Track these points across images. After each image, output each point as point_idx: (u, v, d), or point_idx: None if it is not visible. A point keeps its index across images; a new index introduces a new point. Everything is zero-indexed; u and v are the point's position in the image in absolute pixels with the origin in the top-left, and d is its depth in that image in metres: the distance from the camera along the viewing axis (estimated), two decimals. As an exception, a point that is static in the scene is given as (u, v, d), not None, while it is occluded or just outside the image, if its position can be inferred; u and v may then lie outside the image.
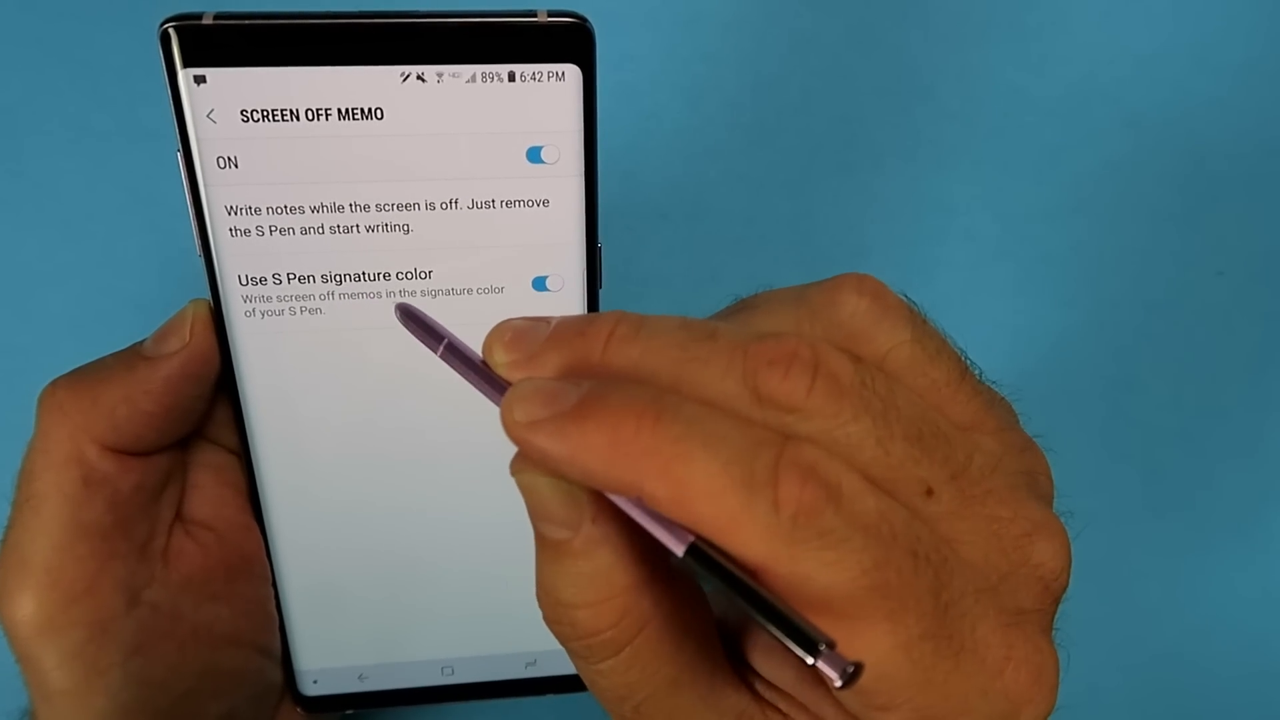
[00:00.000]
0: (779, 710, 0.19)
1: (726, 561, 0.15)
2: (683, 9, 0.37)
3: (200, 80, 0.21)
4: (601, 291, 0.26)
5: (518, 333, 0.18)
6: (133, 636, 0.23)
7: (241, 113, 0.22)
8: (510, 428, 0.16)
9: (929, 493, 0.17)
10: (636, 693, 0.18)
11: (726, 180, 0.37)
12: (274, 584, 0.27)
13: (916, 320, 0.19)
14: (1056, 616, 0.19)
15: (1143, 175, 0.38)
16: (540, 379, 0.17)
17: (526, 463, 0.17)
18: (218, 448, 0.26)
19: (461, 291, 0.24)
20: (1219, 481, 0.37)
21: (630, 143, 0.37)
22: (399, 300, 0.22)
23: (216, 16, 0.21)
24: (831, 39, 0.38)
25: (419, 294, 0.24)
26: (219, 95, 0.22)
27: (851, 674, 0.14)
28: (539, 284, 0.25)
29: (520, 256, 0.24)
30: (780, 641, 0.15)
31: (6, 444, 0.24)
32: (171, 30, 0.21)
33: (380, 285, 0.24)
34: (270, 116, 0.22)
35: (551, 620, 0.18)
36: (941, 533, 0.17)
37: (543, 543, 0.17)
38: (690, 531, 0.16)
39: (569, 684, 0.30)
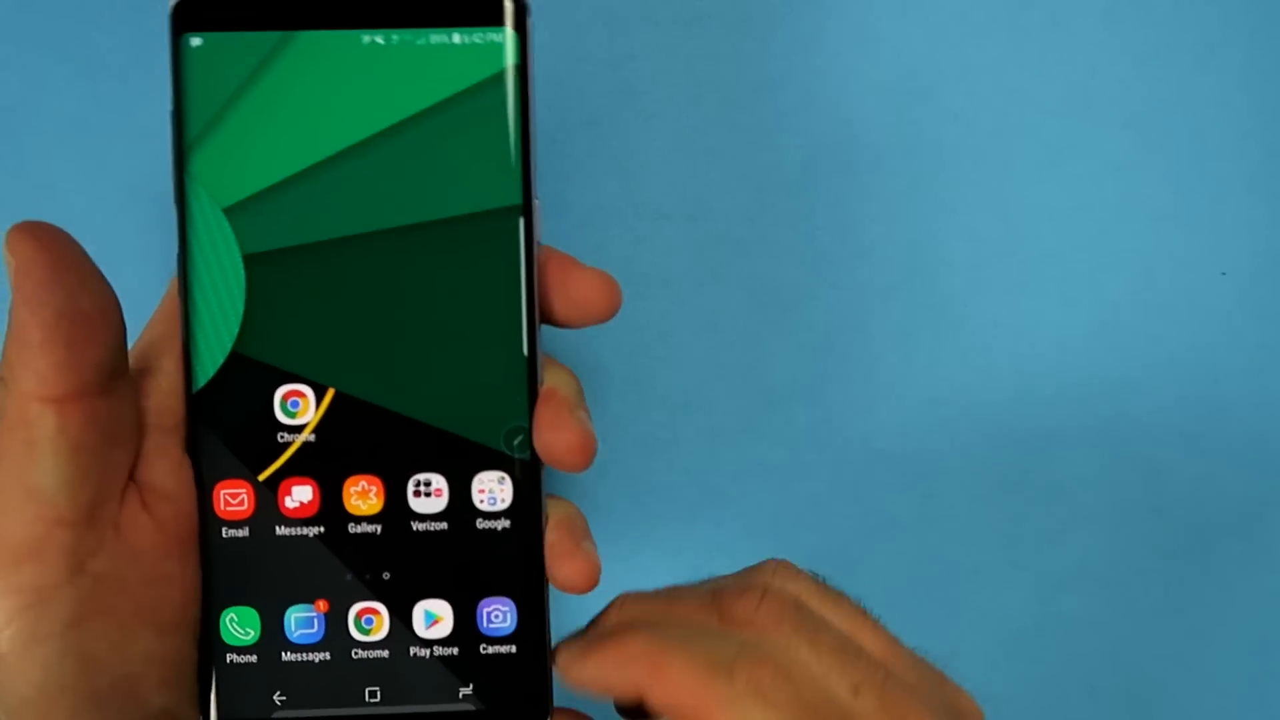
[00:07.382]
0: None
1: None
2: (683, 8, 0.37)
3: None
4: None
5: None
6: (73, 608, 0.22)
7: None
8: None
9: (856, 691, 0.23)
10: None
11: (726, 180, 0.37)
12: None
13: (817, 581, 0.26)
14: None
15: (1143, 175, 0.38)
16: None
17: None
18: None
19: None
20: (1219, 481, 0.37)
21: (630, 143, 0.37)
22: None
23: None
24: (831, 39, 0.38)
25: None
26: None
27: None
28: None
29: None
30: None
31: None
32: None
33: (352, 229, 0.24)
34: None
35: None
36: None
37: None
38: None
39: None
